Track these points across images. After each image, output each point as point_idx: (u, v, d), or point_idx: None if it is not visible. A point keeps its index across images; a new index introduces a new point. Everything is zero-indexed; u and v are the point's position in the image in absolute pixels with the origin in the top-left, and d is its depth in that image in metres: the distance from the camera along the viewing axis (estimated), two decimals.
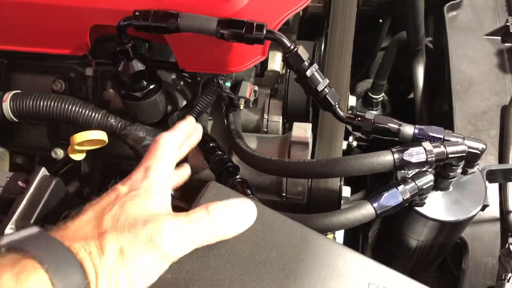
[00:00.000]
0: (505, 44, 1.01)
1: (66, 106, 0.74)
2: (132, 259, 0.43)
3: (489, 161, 0.87)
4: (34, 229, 0.43)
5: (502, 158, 0.86)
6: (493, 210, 0.83)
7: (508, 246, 0.78)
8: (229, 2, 0.65)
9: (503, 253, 0.79)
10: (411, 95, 1.24)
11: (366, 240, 1.06)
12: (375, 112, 1.40)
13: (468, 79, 0.96)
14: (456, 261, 0.85)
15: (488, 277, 0.78)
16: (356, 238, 1.19)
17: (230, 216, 0.49)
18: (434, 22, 1.21)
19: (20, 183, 0.62)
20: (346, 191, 0.85)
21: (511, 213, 0.80)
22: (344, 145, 1.05)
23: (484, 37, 1.02)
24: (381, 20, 1.38)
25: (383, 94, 1.45)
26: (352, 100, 1.02)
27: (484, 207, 0.67)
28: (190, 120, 0.62)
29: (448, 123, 0.92)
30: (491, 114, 0.92)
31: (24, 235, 0.42)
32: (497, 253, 0.81)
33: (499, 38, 1.01)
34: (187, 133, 0.61)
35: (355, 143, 1.26)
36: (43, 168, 0.63)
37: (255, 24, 0.63)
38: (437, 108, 1.15)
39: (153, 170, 0.52)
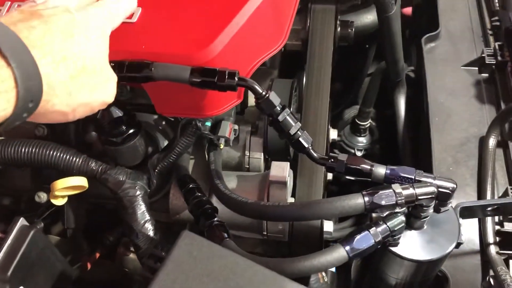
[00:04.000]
0: (482, 74, 1.03)
1: (47, 152, 0.75)
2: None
3: (468, 192, 0.88)
4: None
5: (480, 190, 0.87)
6: (474, 243, 0.83)
7: (489, 279, 0.78)
8: (202, 51, 0.67)
9: (484, 286, 0.79)
10: None
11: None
12: (357, 152, 1.43)
13: (447, 111, 0.98)
14: None
15: None
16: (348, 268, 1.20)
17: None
18: (416, 53, 1.23)
19: None
20: (328, 226, 0.86)
21: (491, 246, 0.80)
22: (330, 176, 1.06)
23: (462, 68, 1.04)
24: (367, 46, 1.41)
25: (370, 120, 1.46)
26: (334, 134, 1.04)
27: (458, 244, 0.68)
28: None
29: (429, 154, 0.93)
30: (469, 145, 0.93)
31: None
32: (478, 286, 0.81)
33: (476, 68, 1.03)
34: None
35: None
36: (22, 218, 0.64)
37: (227, 72, 0.64)
38: (421, 137, 1.16)
39: None
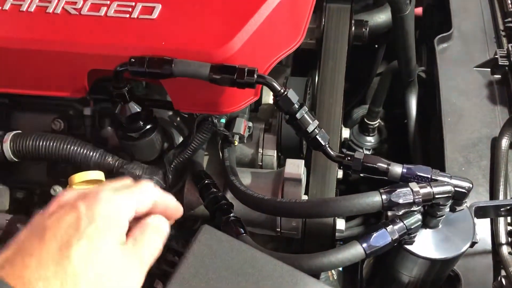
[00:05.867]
0: (495, 75, 1.03)
1: (65, 146, 0.76)
2: None
3: (480, 193, 0.89)
4: None
5: (492, 190, 0.87)
6: (486, 243, 0.84)
7: (501, 279, 0.78)
8: (222, 48, 0.67)
9: (495, 286, 0.80)
10: None
11: None
12: (365, 151, 1.43)
13: (459, 111, 0.98)
14: None
15: None
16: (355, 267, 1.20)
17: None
18: (427, 53, 1.23)
19: (19, 225, 0.63)
20: (340, 224, 0.87)
21: (503, 246, 0.81)
22: (340, 174, 1.07)
23: (474, 69, 1.04)
24: (376, 46, 1.41)
25: (379, 120, 1.47)
26: (346, 133, 1.04)
27: (473, 244, 0.68)
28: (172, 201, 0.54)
29: (441, 154, 0.94)
30: (481, 146, 0.93)
31: None
32: (490, 286, 0.82)
33: (489, 70, 1.04)
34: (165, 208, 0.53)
35: None
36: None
37: (246, 70, 0.65)
38: (432, 137, 1.16)
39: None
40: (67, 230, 0.42)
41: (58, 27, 0.72)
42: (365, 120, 1.46)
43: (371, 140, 1.49)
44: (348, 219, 1.29)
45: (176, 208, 0.54)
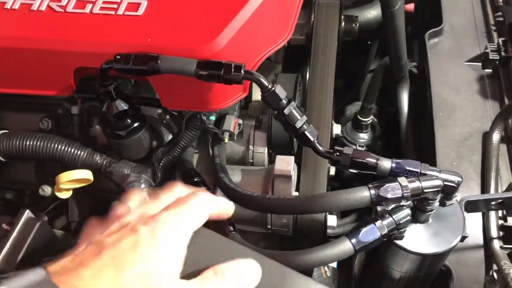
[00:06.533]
0: (486, 70, 1.03)
1: (52, 145, 0.75)
2: None
3: (472, 187, 0.89)
4: (39, 274, 0.42)
5: (484, 185, 0.87)
6: (477, 238, 0.84)
7: (492, 273, 0.78)
8: (208, 44, 0.67)
9: (487, 280, 0.79)
10: None
11: None
12: (358, 148, 1.43)
13: (450, 106, 0.98)
14: None
15: None
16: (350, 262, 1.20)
17: (238, 277, 0.48)
18: (418, 48, 1.23)
19: (4, 225, 0.63)
20: (332, 220, 0.86)
21: (494, 240, 0.81)
22: (333, 170, 1.06)
23: (465, 63, 1.04)
24: (369, 42, 1.41)
25: (372, 116, 1.46)
26: (337, 129, 1.04)
27: (463, 238, 0.68)
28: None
29: (432, 149, 0.94)
30: (472, 141, 0.93)
31: (28, 281, 0.41)
32: (482, 280, 0.81)
33: (480, 64, 1.03)
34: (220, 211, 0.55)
35: None
36: (28, 211, 0.64)
37: (233, 65, 0.64)
38: (424, 132, 1.16)
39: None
40: (125, 252, 0.44)
41: (42, 24, 0.71)
42: (358, 116, 1.46)
43: (364, 136, 1.49)
44: (342, 215, 1.29)
45: (228, 209, 0.56)
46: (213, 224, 0.70)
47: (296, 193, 0.84)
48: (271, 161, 0.93)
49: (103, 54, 0.67)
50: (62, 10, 0.71)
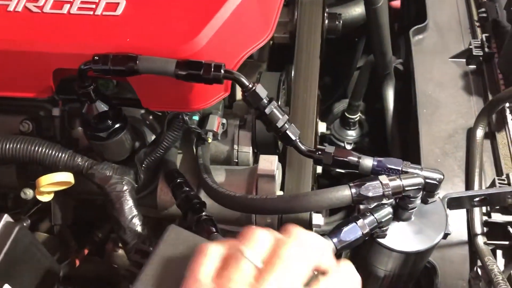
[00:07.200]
0: (469, 66, 1.03)
1: (32, 147, 0.74)
2: None
3: (456, 183, 0.89)
4: None
5: (468, 181, 0.87)
6: (462, 234, 0.84)
7: (477, 269, 0.79)
8: (188, 43, 0.66)
9: (472, 276, 0.80)
10: None
11: None
12: (346, 145, 1.43)
13: (434, 103, 0.98)
14: (429, 285, 0.85)
15: None
16: None
17: None
18: (404, 45, 1.23)
19: None
20: (317, 219, 0.86)
21: (478, 237, 0.81)
22: (319, 169, 1.06)
23: (449, 59, 1.04)
24: (356, 39, 1.41)
25: (359, 113, 1.47)
26: (322, 127, 1.03)
27: (445, 235, 0.68)
28: None
29: (417, 146, 0.94)
30: (457, 137, 0.93)
31: None
32: (467, 276, 0.82)
33: (464, 60, 1.04)
34: None
35: None
36: (6, 215, 0.63)
37: (213, 65, 0.64)
38: (410, 129, 1.16)
39: None
40: None
41: (20, 26, 0.70)
42: (346, 114, 1.46)
43: (352, 134, 1.49)
44: (331, 214, 1.29)
45: None
46: (195, 226, 0.70)
47: (281, 193, 0.84)
48: (256, 160, 0.93)
49: (81, 55, 0.66)
50: (39, 11, 0.70)
